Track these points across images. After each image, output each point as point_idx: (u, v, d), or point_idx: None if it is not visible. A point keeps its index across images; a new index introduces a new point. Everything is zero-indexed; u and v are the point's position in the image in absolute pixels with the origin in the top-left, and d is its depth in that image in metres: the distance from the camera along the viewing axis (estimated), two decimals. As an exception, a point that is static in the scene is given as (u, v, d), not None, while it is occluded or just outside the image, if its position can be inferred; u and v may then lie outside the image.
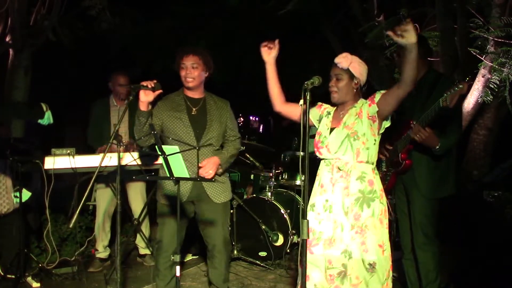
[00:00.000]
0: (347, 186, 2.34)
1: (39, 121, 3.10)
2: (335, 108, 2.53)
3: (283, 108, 2.60)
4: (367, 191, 2.34)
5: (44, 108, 3.08)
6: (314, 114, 2.56)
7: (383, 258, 2.32)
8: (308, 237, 2.05)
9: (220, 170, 2.84)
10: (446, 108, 2.43)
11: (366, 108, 2.38)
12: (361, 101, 2.44)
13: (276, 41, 2.50)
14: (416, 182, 2.78)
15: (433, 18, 4.49)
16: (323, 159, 2.47)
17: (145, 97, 2.68)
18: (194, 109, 2.88)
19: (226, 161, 2.86)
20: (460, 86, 2.32)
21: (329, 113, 2.52)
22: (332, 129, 2.43)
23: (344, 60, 2.39)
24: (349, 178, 2.34)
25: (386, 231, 2.38)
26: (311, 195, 2.46)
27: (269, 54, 2.51)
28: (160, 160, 2.46)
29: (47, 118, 3.11)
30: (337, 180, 2.36)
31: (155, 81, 2.69)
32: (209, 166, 2.75)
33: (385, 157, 2.89)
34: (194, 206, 2.91)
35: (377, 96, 2.37)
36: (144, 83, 2.67)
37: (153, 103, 2.79)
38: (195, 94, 2.91)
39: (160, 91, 2.76)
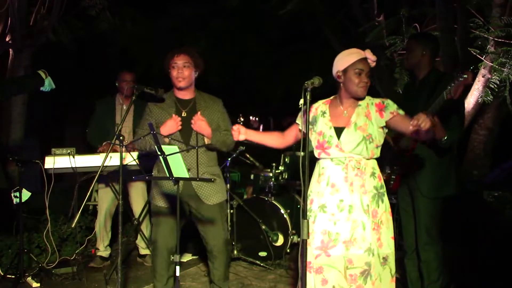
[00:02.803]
0: (363, 184, 2.32)
1: (41, 88, 3.09)
2: (328, 105, 2.47)
3: (288, 141, 2.64)
4: (379, 187, 2.36)
5: (43, 75, 3.07)
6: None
7: (394, 250, 2.36)
8: (308, 237, 2.04)
9: (208, 141, 2.81)
10: (450, 101, 2.39)
11: (374, 112, 2.35)
12: (365, 98, 2.40)
13: (241, 129, 2.55)
14: (417, 182, 2.78)
15: (433, 18, 4.49)
16: (327, 158, 2.39)
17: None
18: (183, 111, 2.86)
19: (217, 139, 2.82)
20: (465, 76, 2.25)
21: (324, 112, 2.45)
22: (337, 129, 2.36)
23: (375, 59, 2.36)
24: (364, 176, 2.33)
25: None
26: (316, 196, 2.39)
27: (238, 137, 2.57)
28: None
29: (48, 85, 3.09)
30: (353, 178, 2.32)
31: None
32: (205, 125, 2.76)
33: (389, 158, 2.88)
34: (189, 207, 2.91)
35: (388, 111, 2.34)
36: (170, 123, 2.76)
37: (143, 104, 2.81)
38: (186, 95, 2.88)
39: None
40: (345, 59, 2.35)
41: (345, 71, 2.34)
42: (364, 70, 2.32)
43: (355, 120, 2.35)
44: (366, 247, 2.27)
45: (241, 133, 2.53)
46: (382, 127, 2.38)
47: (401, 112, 2.35)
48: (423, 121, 2.07)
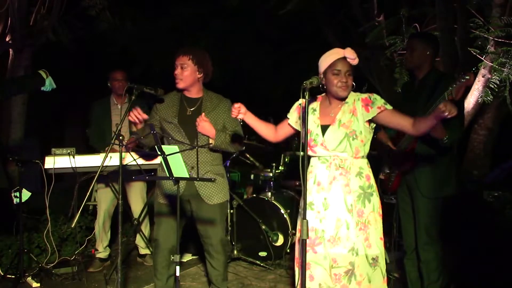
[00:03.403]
0: (347, 183, 2.33)
1: (42, 88, 3.09)
2: (319, 102, 2.47)
3: (279, 136, 2.64)
4: (366, 187, 2.35)
5: (44, 75, 3.06)
6: (296, 119, 2.51)
7: (383, 251, 2.36)
8: (308, 237, 2.05)
9: (211, 144, 2.80)
10: (451, 102, 2.39)
11: (360, 107, 2.35)
12: (352, 95, 2.40)
13: (242, 108, 2.51)
14: (417, 182, 2.78)
15: (433, 18, 4.49)
16: (315, 156, 2.42)
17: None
18: (189, 109, 2.86)
19: (221, 140, 2.81)
20: (467, 77, 2.24)
21: (314, 109, 2.46)
22: (324, 127, 2.38)
23: (355, 57, 2.33)
24: (349, 175, 2.33)
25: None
26: (307, 194, 2.41)
27: (237, 115, 2.53)
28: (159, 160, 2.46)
29: (49, 84, 3.09)
30: (337, 177, 2.33)
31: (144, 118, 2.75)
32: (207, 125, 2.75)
33: (389, 158, 2.88)
34: (191, 205, 2.91)
35: (375, 106, 2.32)
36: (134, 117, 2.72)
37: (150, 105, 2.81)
38: (192, 94, 2.89)
39: (145, 117, 2.78)
40: (323, 62, 2.35)
41: (325, 73, 2.34)
42: (342, 70, 2.31)
43: (340, 117, 2.36)
44: (350, 247, 2.29)
45: (241, 112, 2.50)
46: (369, 122, 2.36)
47: (388, 107, 2.34)
48: (451, 108, 2.05)
